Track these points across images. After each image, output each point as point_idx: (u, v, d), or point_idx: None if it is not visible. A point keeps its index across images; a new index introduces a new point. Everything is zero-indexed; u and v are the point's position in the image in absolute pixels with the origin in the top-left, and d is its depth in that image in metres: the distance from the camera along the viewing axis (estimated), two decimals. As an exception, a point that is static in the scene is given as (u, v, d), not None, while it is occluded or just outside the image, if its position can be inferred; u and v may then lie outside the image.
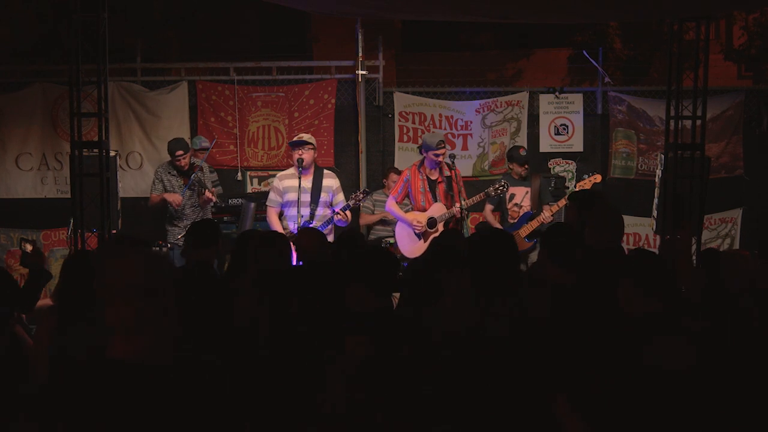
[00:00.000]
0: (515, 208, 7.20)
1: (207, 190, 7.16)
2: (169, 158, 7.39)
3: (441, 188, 6.56)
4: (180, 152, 7.22)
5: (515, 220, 7.13)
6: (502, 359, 2.65)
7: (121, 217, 6.59)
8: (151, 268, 1.81)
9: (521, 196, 7.18)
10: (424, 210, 6.57)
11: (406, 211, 6.69)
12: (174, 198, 7.18)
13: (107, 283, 1.78)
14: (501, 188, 6.64)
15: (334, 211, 6.34)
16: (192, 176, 7.23)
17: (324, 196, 6.47)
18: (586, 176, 6.96)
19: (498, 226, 7.16)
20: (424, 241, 6.46)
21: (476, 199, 6.59)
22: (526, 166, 7.24)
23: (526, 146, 8.47)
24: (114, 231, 6.36)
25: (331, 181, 6.53)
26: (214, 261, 4.46)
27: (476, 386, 2.59)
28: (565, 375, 2.61)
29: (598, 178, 6.77)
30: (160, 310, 1.79)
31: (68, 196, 6.57)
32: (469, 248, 3.23)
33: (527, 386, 2.60)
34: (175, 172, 7.32)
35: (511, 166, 7.35)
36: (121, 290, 1.76)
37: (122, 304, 1.76)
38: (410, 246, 6.58)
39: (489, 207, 7.37)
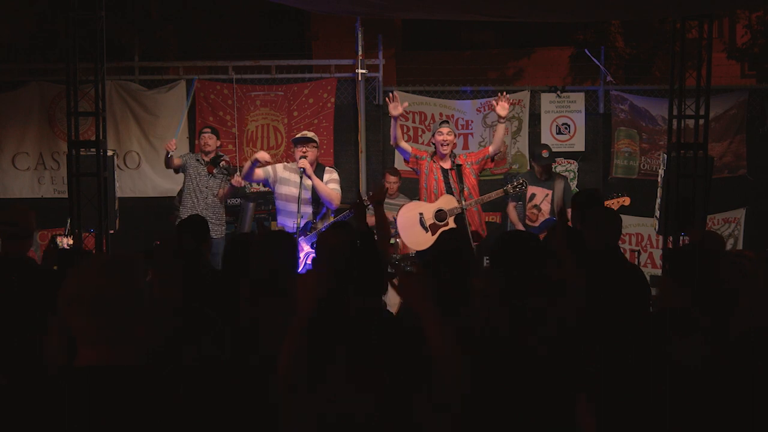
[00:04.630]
0: (534, 210, 6.97)
1: (236, 175, 6.81)
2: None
3: (453, 175, 6.40)
4: (207, 130, 7.06)
5: (533, 223, 6.92)
6: (535, 362, 2.60)
7: (119, 217, 6.53)
8: (108, 277, 1.76)
9: (541, 198, 6.94)
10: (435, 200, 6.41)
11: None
12: (170, 142, 6.92)
13: (64, 294, 1.74)
14: (519, 186, 6.38)
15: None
16: (221, 163, 6.96)
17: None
18: (615, 194, 6.31)
19: (520, 225, 6.99)
20: (432, 234, 6.20)
21: (493, 195, 6.37)
22: (544, 168, 6.98)
23: (527, 146, 8.43)
24: (112, 231, 6.31)
25: (327, 176, 6.33)
26: (206, 255, 4.43)
27: (507, 390, 2.54)
28: (585, 375, 2.57)
29: (626, 200, 6.13)
30: (123, 317, 1.75)
31: (65, 195, 6.48)
32: (497, 249, 3.14)
33: (554, 387, 2.56)
34: (201, 160, 6.99)
35: (533, 164, 7.18)
36: (78, 300, 1.73)
37: (80, 315, 1.73)
38: (416, 238, 6.31)
39: (512, 204, 7.11)
